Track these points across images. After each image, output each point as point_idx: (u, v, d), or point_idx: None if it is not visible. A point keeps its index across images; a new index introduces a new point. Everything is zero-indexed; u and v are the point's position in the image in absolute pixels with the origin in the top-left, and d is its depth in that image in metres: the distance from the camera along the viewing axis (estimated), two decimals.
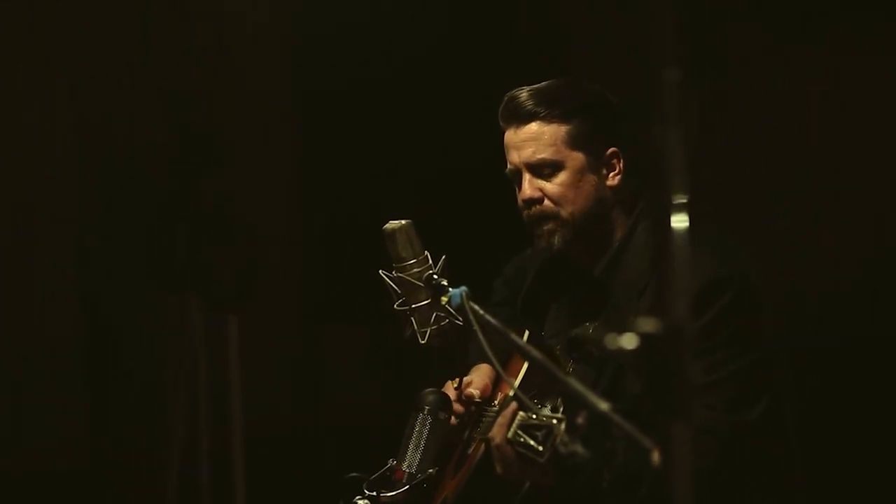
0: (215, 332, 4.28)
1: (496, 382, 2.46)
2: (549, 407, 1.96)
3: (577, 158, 2.37)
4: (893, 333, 4.21)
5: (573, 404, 1.84)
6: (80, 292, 4.58)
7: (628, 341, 1.36)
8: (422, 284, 2.21)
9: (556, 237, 2.38)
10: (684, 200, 1.36)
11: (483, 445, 2.25)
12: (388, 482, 2.33)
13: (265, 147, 4.65)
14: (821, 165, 4.36)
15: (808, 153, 4.38)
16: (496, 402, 2.40)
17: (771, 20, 4.39)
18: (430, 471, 2.34)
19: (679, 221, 1.36)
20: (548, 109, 2.36)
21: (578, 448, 1.75)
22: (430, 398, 2.38)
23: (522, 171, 2.39)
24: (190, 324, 4.30)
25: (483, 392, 2.43)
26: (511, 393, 2.08)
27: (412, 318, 2.22)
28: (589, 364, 2.34)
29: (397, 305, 2.24)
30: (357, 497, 2.31)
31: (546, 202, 2.38)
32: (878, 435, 4.11)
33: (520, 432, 1.99)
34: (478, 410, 2.44)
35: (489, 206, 3.03)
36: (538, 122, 2.37)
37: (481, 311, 2.08)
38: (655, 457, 1.43)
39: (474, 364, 2.52)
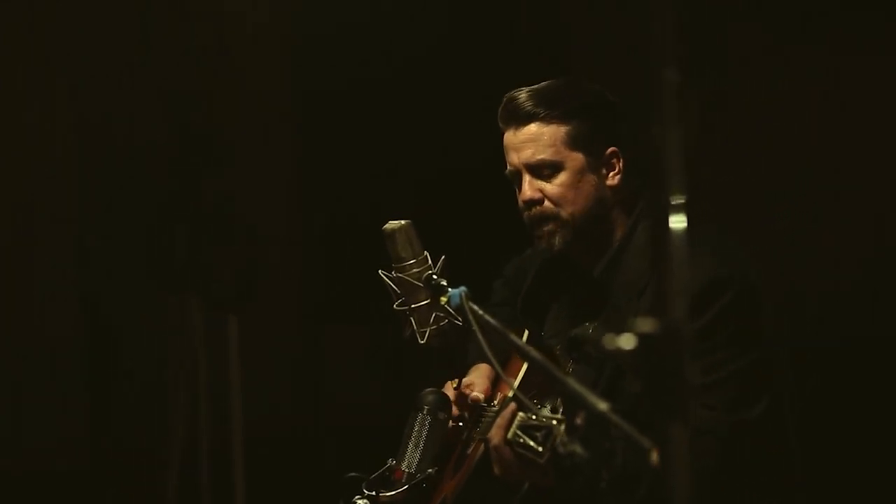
0: (215, 332, 4.28)
1: (495, 382, 2.46)
2: (549, 407, 1.96)
3: (576, 159, 2.37)
4: (893, 333, 4.21)
5: (572, 404, 1.84)
6: (80, 292, 4.58)
7: (626, 341, 1.36)
8: (421, 284, 2.21)
9: (557, 238, 2.38)
10: (683, 200, 1.36)
11: (482, 445, 2.25)
12: (388, 482, 2.33)
13: (265, 147, 4.65)
14: (821, 165, 4.36)
15: (808, 153, 4.38)
16: (496, 402, 2.40)
17: (771, 20, 4.39)
18: (430, 471, 2.34)
19: (678, 221, 1.36)
20: (547, 110, 2.36)
21: (577, 448, 1.75)
22: (430, 398, 2.38)
23: (522, 172, 2.39)
24: (190, 324, 4.30)
25: (484, 394, 2.43)
26: (510, 394, 2.08)
27: (411, 318, 2.22)
28: (588, 364, 2.34)
29: (397, 305, 2.24)
30: (356, 497, 2.31)
31: (546, 203, 2.38)
32: (878, 435, 4.11)
33: (519, 433, 1.99)
34: (477, 410, 2.44)
35: (489, 207, 3.03)
36: (537, 122, 2.37)
37: (480, 312, 2.08)
38: (654, 457, 1.43)
39: (474, 364, 2.52)
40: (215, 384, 4.27)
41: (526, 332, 2.40)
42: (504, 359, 2.28)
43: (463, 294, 2.12)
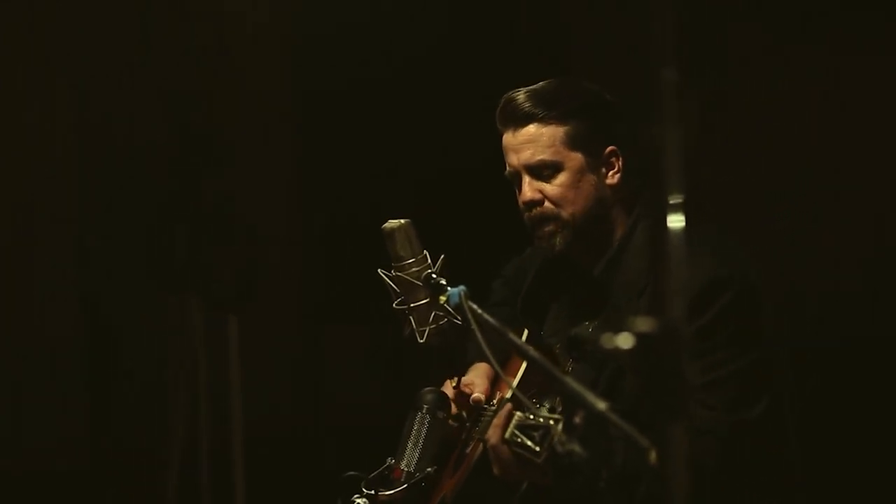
0: (215, 332, 4.28)
1: (495, 382, 2.46)
2: (548, 406, 1.96)
3: (575, 159, 2.37)
4: (893, 333, 4.21)
5: (571, 404, 1.84)
6: (80, 292, 4.58)
7: (624, 341, 1.36)
8: (420, 283, 2.21)
9: (558, 238, 2.38)
10: (681, 200, 1.36)
11: (481, 445, 2.25)
12: (387, 481, 2.33)
13: (265, 147, 4.65)
14: (821, 165, 4.36)
15: (808, 153, 4.38)
16: (495, 401, 2.40)
17: (771, 20, 4.39)
18: (429, 469, 2.34)
19: (676, 221, 1.36)
20: (545, 111, 2.36)
21: (576, 448, 1.75)
22: (429, 397, 2.38)
23: (522, 173, 2.39)
24: (190, 324, 4.30)
25: (484, 394, 2.43)
26: (509, 393, 2.08)
27: (411, 318, 2.22)
28: (588, 364, 2.34)
29: (396, 304, 2.24)
30: (355, 495, 2.31)
31: (546, 204, 2.38)
32: (878, 435, 4.11)
33: (517, 432, 1.99)
34: (476, 409, 2.43)
35: (489, 207, 3.03)
36: (536, 123, 2.37)
37: (479, 310, 2.08)
38: (652, 456, 1.43)
39: (473, 363, 2.52)
40: (215, 384, 4.27)
41: (525, 332, 2.40)
42: (503, 358, 2.28)
43: (462, 293, 2.12)
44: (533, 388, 2.15)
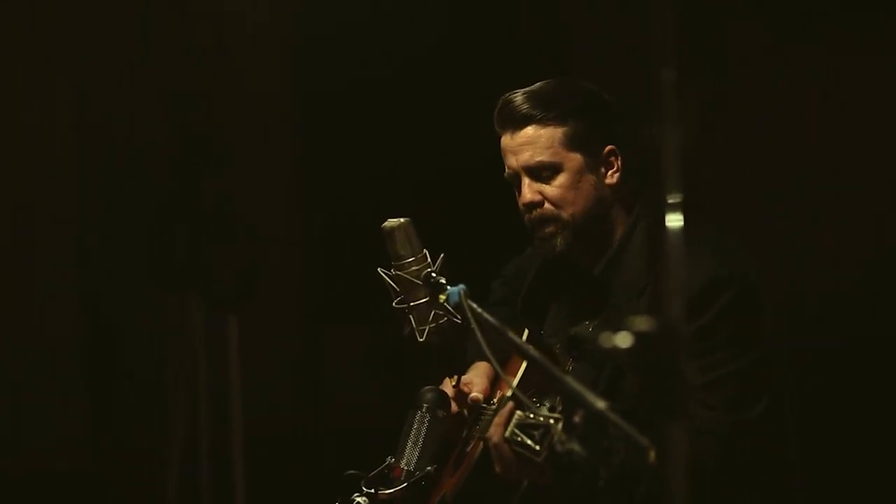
0: (215, 332, 4.28)
1: (495, 381, 2.46)
2: (547, 406, 1.96)
3: (574, 159, 2.37)
4: (893, 333, 4.21)
5: (571, 403, 1.84)
6: (80, 292, 4.58)
7: (622, 340, 1.36)
8: (420, 282, 2.21)
9: (558, 239, 2.38)
10: (680, 200, 1.36)
11: (482, 444, 2.25)
12: (387, 479, 2.33)
13: (265, 147, 4.65)
14: (821, 165, 4.36)
15: (808, 153, 4.38)
16: (495, 400, 2.41)
17: (771, 20, 4.39)
18: (429, 468, 2.33)
19: (675, 220, 1.36)
20: (543, 112, 2.36)
21: (575, 447, 1.75)
22: (429, 396, 2.38)
23: (521, 175, 2.39)
24: (190, 324, 4.30)
25: (483, 393, 2.43)
26: (509, 392, 2.08)
27: (410, 317, 2.22)
28: (588, 363, 2.34)
29: (396, 303, 2.24)
30: (355, 494, 2.31)
31: (546, 205, 2.38)
32: (878, 435, 4.11)
33: (517, 431, 1.99)
34: (476, 408, 2.44)
35: (489, 207, 3.03)
36: (534, 125, 2.37)
37: (479, 309, 2.08)
38: (651, 455, 1.43)
39: (472, 362, 2.52)
40: (215, 384, 4.27)
41: (525, 332, 2.40)
42: (503, 357, 2.28)
43: (462, 292, 2.12)
44: (532, 388, 2.15)
